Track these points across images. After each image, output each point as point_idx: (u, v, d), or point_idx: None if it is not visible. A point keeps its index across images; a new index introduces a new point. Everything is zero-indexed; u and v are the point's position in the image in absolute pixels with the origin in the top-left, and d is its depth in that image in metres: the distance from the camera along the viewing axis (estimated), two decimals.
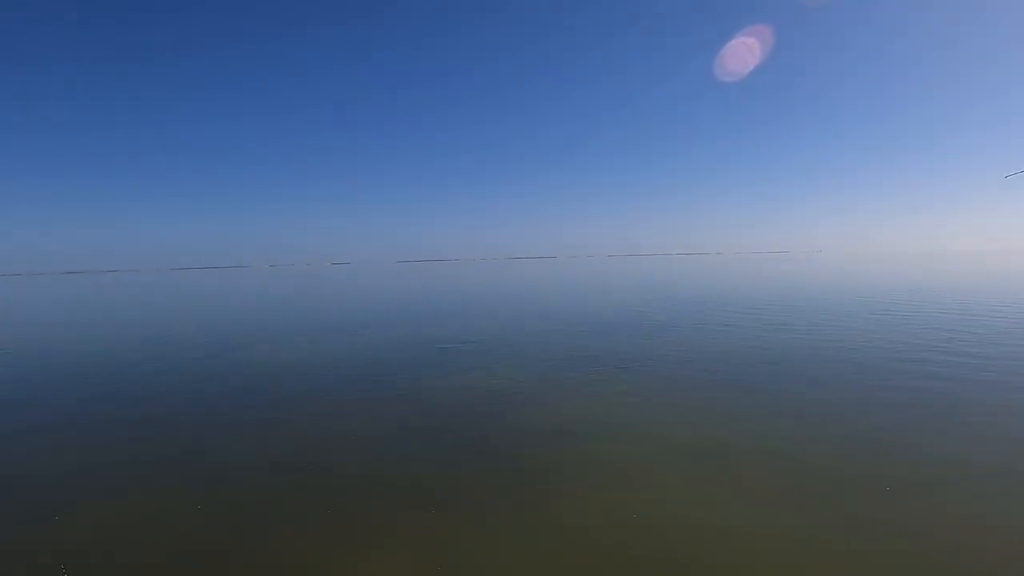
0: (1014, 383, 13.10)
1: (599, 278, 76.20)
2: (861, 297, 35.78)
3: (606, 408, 12.31)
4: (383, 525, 7.40)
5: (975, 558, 6.16)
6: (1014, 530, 6.68)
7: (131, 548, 7.02)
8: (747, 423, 10.92)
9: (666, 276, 77.74)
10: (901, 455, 9.01)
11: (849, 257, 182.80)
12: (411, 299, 48.12)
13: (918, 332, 20.61)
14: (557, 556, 6.49)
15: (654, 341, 20.73)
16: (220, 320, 34.44)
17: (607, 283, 62.93)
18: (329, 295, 58.83)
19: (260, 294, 63.45)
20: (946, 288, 41.64)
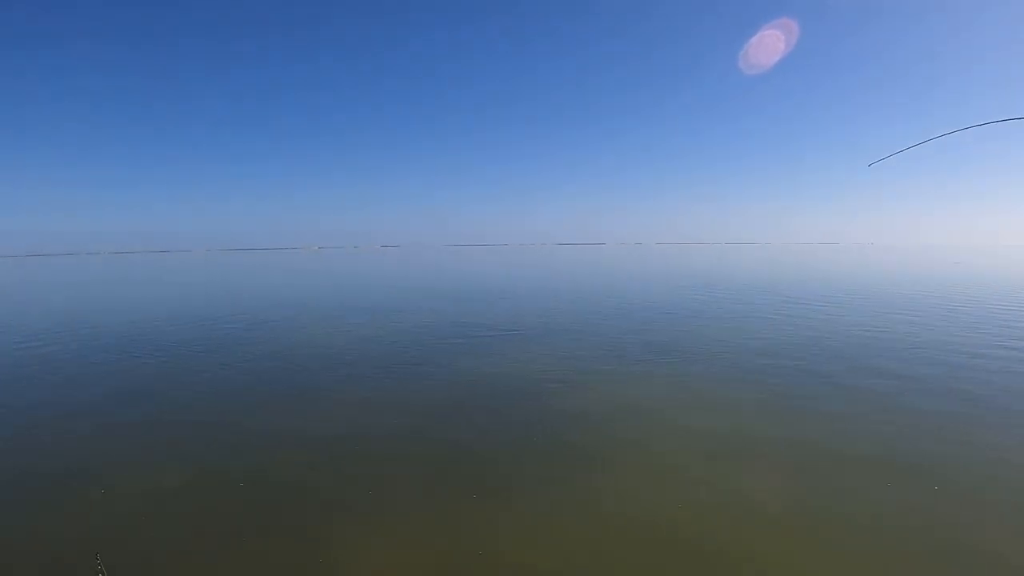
0: None
1: (652, 266, 74.72)
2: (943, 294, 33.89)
3: (655, 396, 12.14)
4: (418, 507, 7.39)
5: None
6: None
7: (171, 522, 7.15)
8: (820, 419, 10.59)
9: (721, 264, 75.92)
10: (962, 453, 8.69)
11: (906, 249, 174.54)
12: (460, 282, 48.26)
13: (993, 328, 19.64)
14: (593, 541, 6.50)
15: (708, 328, 20.31)
16: (268, 300, 35.02)
17: (660, 271, 61.75)
18: (378, 277, 59.54)
19: (309, 275, 64.71)
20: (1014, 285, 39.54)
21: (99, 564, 5.46)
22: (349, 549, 6.44)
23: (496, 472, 8.39)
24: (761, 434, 9.79)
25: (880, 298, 30.16)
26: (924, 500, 7.28)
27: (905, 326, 20.26)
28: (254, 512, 7.33)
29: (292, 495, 7.77)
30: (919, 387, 12.28)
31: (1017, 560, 5.94)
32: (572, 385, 13.00)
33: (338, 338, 19.78)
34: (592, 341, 18.44)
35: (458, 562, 6.14)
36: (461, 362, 15.49)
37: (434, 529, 6.84)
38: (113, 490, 7.96)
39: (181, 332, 21.43)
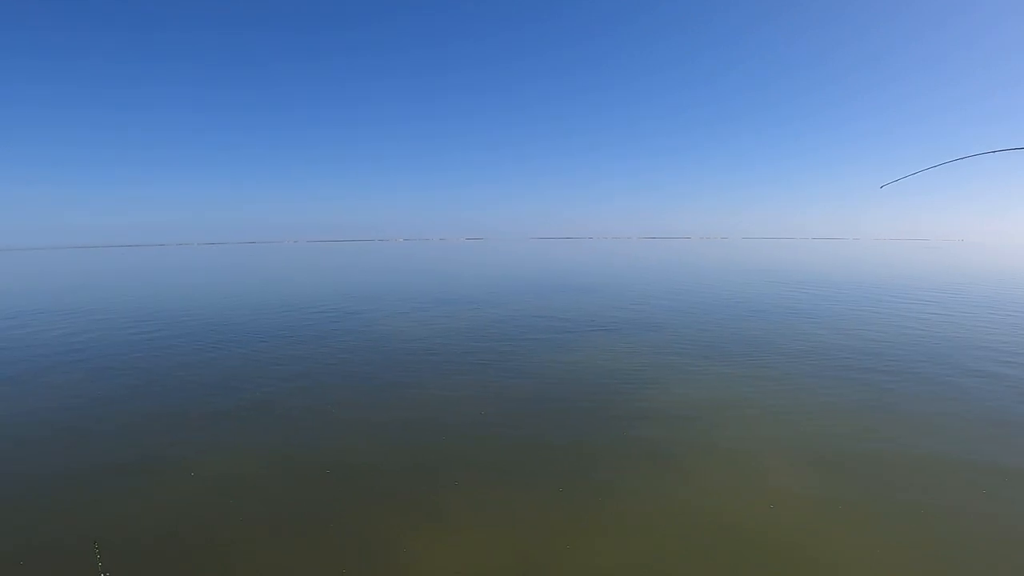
0: None
1: (740, 261, 72.16)
2: None
3: (744, 396, 11.76)
4: (495, 504, 7.37)
5: None
6: None
7: (250, 508, 7.34)
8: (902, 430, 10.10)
9: (809, 260, 72.69)
10: None
11: (999, 248, 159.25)
12: (546, 275, 48.02)
13: None
14: (672, 545, 6.41)
15: (803, 325, 19.59)
16: (354, 291, 35.84)
17: (749, 266, 59.70)
18: (462, 268, 60.36)
19: (395, 267, 66.31)
20: None
21: (98, 554, 5.55)
22: (422, 544, 6.47)
23: (577, 471, 8.30)
24: (852, 439, 9.36)
25: (985, 297, 27.82)
26: None
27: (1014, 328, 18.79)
28: (330, 503, 7.48)
29: (369, 487, 7.91)
30: None
31: None
32: (660, 382, 12.78)
33: (423, 329, 20.08)
34: (681, 337, 18.02)
35: (535, 562, 6.09)
36: (546, 356, 15.50)
37: (510, 528, 6.82)
38: (199, 475, 8.29)
39: (271, 322, 22.14)
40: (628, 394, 11.94)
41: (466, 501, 7.45)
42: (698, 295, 30.47)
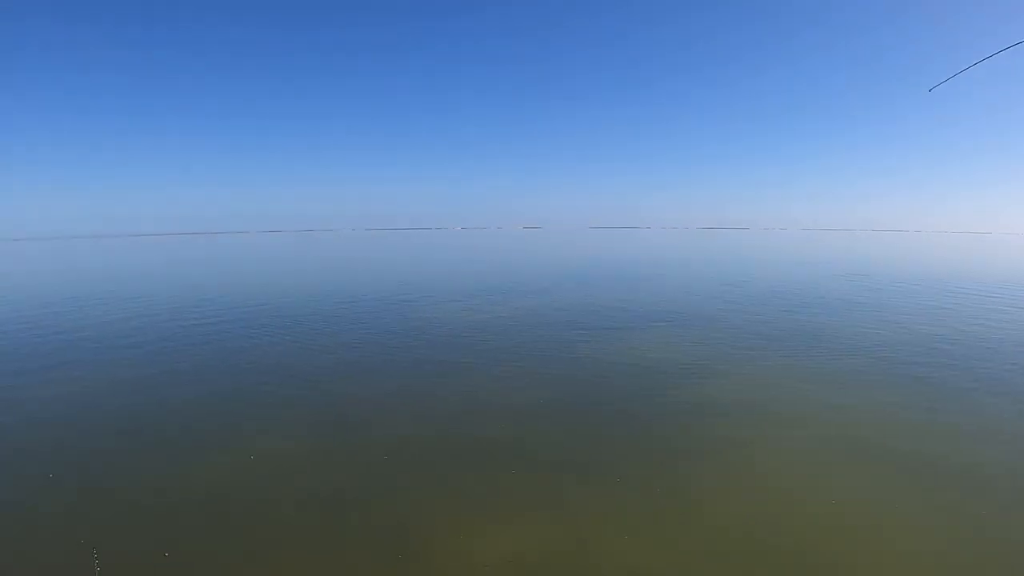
0: None
1: (800, 252, 69.57)
2: None
3: (791, 392, 11.46)
4: (530, 493, 7.35)
5: None
6: None
7: (295, 486, 7.58)
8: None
9: (869, 252, 69.19)
10: None
11: None
12: (601, 265, 47.67)
13: None
14: (701, 542, 6.30)
15: (859, 320, 18.70)
16: (409, 279, 36.62)
17: (809, 257, 57.51)
18: (519, 257, 60.43)
19: (450, 256, 67.39)
20: None
21: (96, 561, 5.57)
22: (476, 531, 6.49)
23: (632, 463, 8.20)
24: (906, 438, 9.01)
25: None
26: None
27: None
28: (388, 486, 7.59)
29: (426, 472, 8.01)
30: None
31: None
32: (718, 375, 12.56)
33: (479, 317, 20.21)
34: (734, 329, 17.67)
35: (587, 554, 6.06)
36: (603, 345, 15.40)
37: (563, 518, 6.80)
38: (259, 455, 8.51)
39: (326, 309, 22.51)
40: (686, 387, 11.78)
41: (519, 490, 7.49)
42: (757, 286, 29.68)
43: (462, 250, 79.28)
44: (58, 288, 33.57)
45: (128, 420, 10.19)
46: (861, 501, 7.08)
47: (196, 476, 7.94)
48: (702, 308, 22.01)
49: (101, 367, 13.79)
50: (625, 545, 6.16)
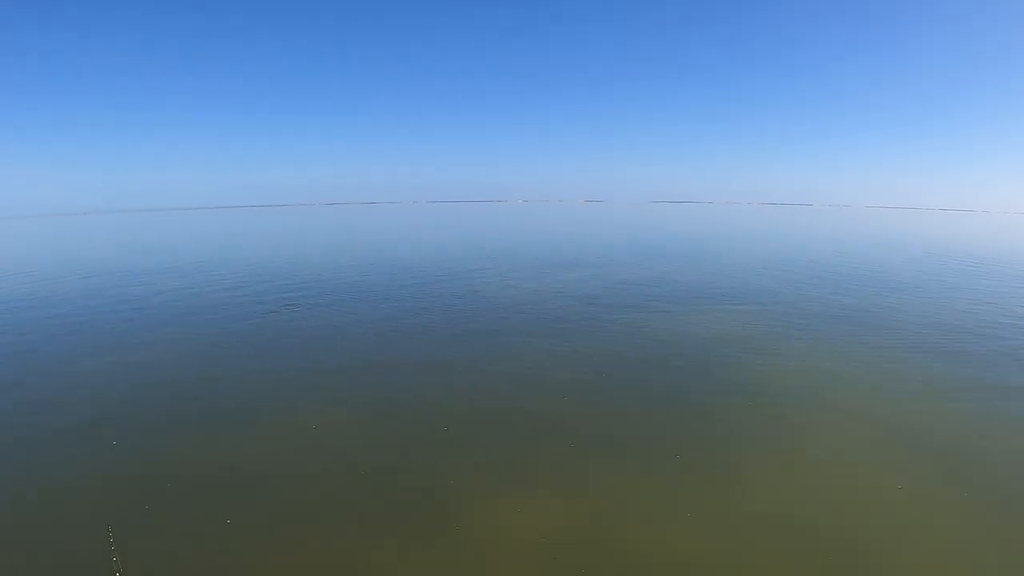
0: None
1: (863, 230, 65.74)
2: None
3: (838, 374, 11.06)
4: (563, 468, 7.43)
5: None
6: None
7: (335, 452, 7.92)
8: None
9: (941, 231, 63.79)
10: None
11: None
12: (656, 240, 46.56)
13: None
14: (725, 528, 6.26)
15: (922, 304, 17.53)
16: (471, 252, 36.64)
17: (872, 236, 53.91)
18: (578, 231, 59.60)
19: (513, 229, 66.54)
20: None
21: (111, 539, 5.63)
22: (506, 505, 6.61)
23: (670, 447, 8.12)
24: (960, 428, 8.62)
25: None
26: None
27: None
28: (428, 459, 7.78)
29: (466, 446, 8.17)
30: None
31: None
32: (770, 355, 12.29)
33: (530, 292, 20.16)
34: (787, 308, 17.10)
35: (611, 538, 6.05)
36: (654, 324, 15.15)
37: (592, 499, 6.79)
38: (320, 425, 8.82)
39: (382, 282, 22.71)
40: (736, 368, 11.51)
41: (552, 467, 7.53)
42: (816, 264, 28.54)
43: (522, 223, 78.77)
44: (150, 260, 36.48)
45: (186, 388, 10.67)
46: (915, 491, 6.88)
47: (250, 445, 8.29)
48: (760, 285, 21.30)
49: (166, 337, 14.36)
50: (652, 534, 6.11)
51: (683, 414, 9.23)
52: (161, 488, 7.08)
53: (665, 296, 19.45)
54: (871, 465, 7.60)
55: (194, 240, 53.31)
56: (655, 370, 11.44)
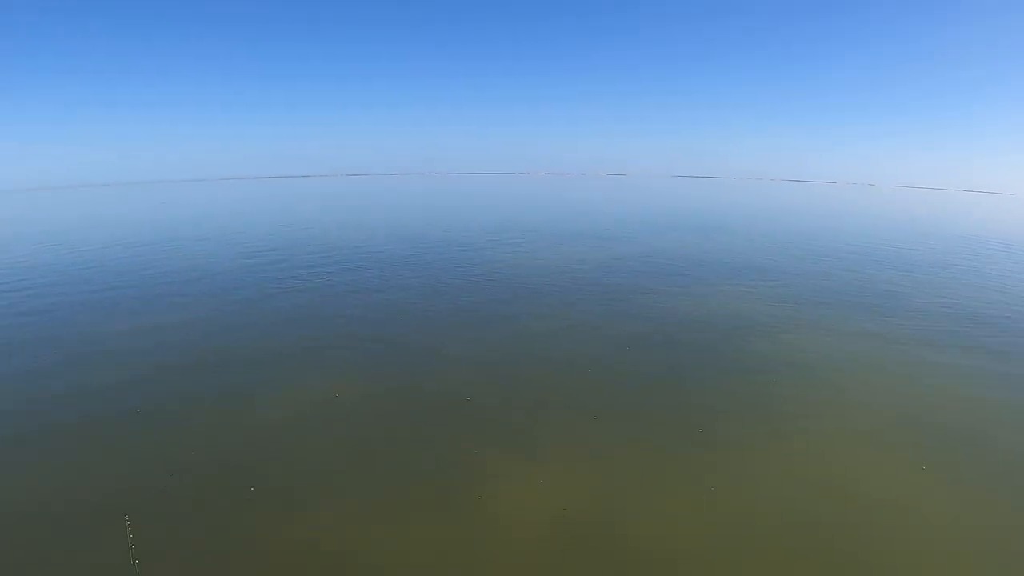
0: None
1: (890, 210, 63.18)
2: None
3: (855, 356, 10.95)
4: (572, 442, 7.48)
5: None
6: None
7: (349, 421, 8.05)
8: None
9: (970, 214, 61.19)
10: None
11: None
12: (680, 214, 45.92)
13: None
14: (743, 509, 6.26)
15: (941, 285, 16.99)
16: (482, 222, 36.44)
17: (900, 216, 51.57)
18: (598, 204, 58.92)
19: (537, 202, 65.50)
20: None
21: (128, 525, 5.62)
22: (513, 476, 6.69)
23: (678, 420, 8.16)
24: (967, 413, 8.53)
25: None
26: None
27: None
28: (439, 428, 7.89)
29: (477, 417, 8.25)
30: None
31: None
32: (782, 332, 12.21)
33: (545, 264, 19.99)
34: (813, 287, 16.90)
35: (613, 511, 6.11)
36: (666, 298, 15.08)
37: (597, 471, 6.84)
38: (343, 396, 8.95)
39: (400, 253, 22.53)
40: (747, 344, 11.44)
41: (559, 439, 7.60)
42: (835, 243, 27.83)
43: (544, 196, 77.95)
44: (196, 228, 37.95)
45: (216, 360, 10.82)
46: (922, 474, 6.88)
47: (275, 413, 8.46)
48: (774, 263, 20.86)
49: (204, 306, 14.73)
50: (653, 509, 6.18)
51: (706, 388, 9.22)
52: (184, 459, 7.27)
53: (676, 270, 19.20)
54: (891, 446, 7.60)
55: (230, 210, 55.04)
56: (681, 342, 11.44)
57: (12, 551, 5.64)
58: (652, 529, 5.83)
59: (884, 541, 5.67)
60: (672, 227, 34.24)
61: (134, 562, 5.14)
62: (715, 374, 9.87)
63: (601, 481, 6.62)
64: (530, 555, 5.50)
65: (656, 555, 5.56)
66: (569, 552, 5.55)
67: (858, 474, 6.86)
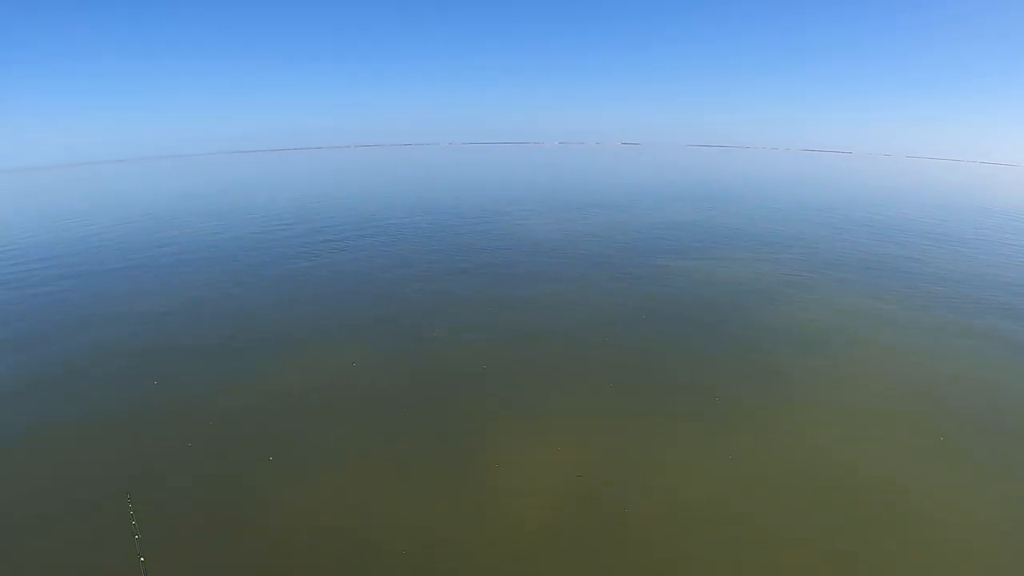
0: None
1: (906, 181, 61.86)
2: None
3: (873, 328, 10.84)
4: (591, 409, 7.55)
5: None
6: None
7: (358, 390, 8.19)
8: None
9: (989, 187, 59.77)
10: None
11: None
12: (696, 184, 45.63)
13: None
14: (746, 481, 6.28)
15: (957, 260, 16.57)
16: (494, 192, 36.57)
17: (917, 187, 50.63)
18: (619, 174, 58.13)
19: (550, 171, 64.75)
20: None
21: (129, 503, 5.60)
22: (512, 447, 6.74)
23: (684, 393, 8.17)
24: (975, 392, 8.41)
25: None
26: None
27: None
28: (449, 400, 7.98)
29: (485, 389, 8.32)
30: None
31: None
32: (793, 301, 12.19)
33: (556, 234, 20.09)
34: (825, 257, 16.75)
35: (612, 483, 6.15)
36: (679, 269, 15.01)
37: (603, 432, 6.96)
38: (360, 361, 9.17)
39: (413, 224, 22.64)
40: (763, 314, 11.44)
41: (574, 407, 7.69)
42: (851, 212, 27.54)
43: (558, 166, 77.06)
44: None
45: (234, 322, 11.27)
46: (926, 454, 6.85)
47: (291, 377, 8.72)
48: (786, 233, 20.41)
49: (219, 274, 15.26)
50: (652, 480, 6.25)
51: (721, 357, 9.29)
52: (204, 423, 7.52)
53: (687, 240, 19.19)
54: (910, 414, 7.63)
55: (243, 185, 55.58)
56: (695, 312, 11.49)
57: (35, 516, 5.86)
58: (666, 495, 5.94)
59: (897, 515, 5.77)
60: (685, 197, 33.95)
61: (135, 537, 5.22)
62: (729, 343, 9.90)
63: (615, 448, 6.70)
64: (545, 521, 5.61)
65: (670, 520, 5.67)
66: (584, 517, 5.65)
67: (882, 448, 6.88)
